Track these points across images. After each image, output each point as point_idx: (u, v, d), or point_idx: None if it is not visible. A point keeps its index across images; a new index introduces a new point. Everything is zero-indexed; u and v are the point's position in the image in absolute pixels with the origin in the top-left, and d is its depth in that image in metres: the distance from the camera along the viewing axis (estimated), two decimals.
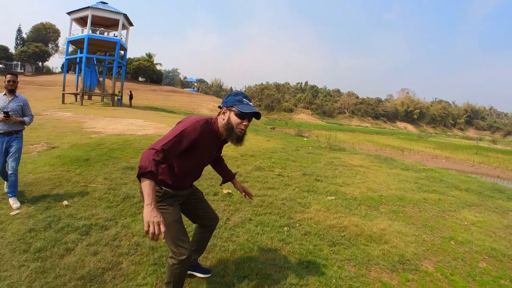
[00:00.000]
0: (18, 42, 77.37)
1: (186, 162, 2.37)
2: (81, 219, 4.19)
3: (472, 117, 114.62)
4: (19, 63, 70.38)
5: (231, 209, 5.05)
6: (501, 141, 68.19)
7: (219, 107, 2.42)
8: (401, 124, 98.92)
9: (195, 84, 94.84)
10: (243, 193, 3.07)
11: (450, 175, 11.94)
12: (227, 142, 2.53)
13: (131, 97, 32.87)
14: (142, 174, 1.92)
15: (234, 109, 2.30)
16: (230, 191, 5.78)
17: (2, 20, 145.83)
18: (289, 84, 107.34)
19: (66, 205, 4.58)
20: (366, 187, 7.43)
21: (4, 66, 67.81)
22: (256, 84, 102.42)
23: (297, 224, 4.71)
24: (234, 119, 2.30)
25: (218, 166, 3.06)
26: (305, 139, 19.32)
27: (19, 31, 78.70)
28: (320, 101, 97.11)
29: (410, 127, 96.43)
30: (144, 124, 16.27)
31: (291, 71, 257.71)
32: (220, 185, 3.25)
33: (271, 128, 33.41)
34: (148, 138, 11.69)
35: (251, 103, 2.37)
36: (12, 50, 71.56)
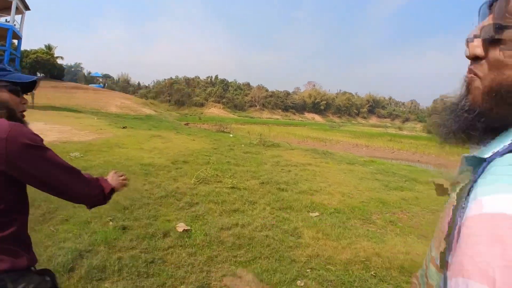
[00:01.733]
0: None
1: None
2: None
3: (374, 107, 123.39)
4: None
5: (201, 260, 3.24)
6: (404, 127, 74.43)
7: None
8: (309, 115, 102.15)
9: (100, 80, 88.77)
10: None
11: (394, 166, 12.02)
12: None
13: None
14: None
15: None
16: (186, 227, 3.95)
17: None
18: (199, 78, 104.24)
19: None
20: (339, 193, 6.46)
21: None
22: (165, 79, 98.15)
23: (308, 270, 3.17)
24: (11, 98, 1.35)
25: None
26: (231, 135, 17.90)
27: None
28: (231, 95, 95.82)
29: (318, 118, 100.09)
30: (44, 128, 13.57)
31: (202, 66, 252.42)
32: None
33: (185, 124, 31.74)
34: (49, 146, 9.34)
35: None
36: None
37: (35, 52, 56.66)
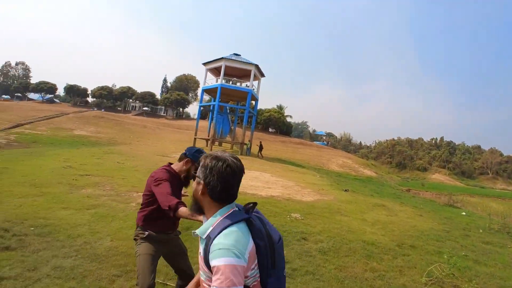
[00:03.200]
0: (163, 89, 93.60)
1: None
2: None
3: None
4: (162, 107, 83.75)
5: None
6: None
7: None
8: None
9: (324, 138, 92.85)
10: None
11: None
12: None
13: (261, 148, 32.34)
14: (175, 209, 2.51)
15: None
16: None
17: (152, 69, 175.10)
18: (422, 139, 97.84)
19: None
20: None
21: (150, 109, 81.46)
22: (386, 140, 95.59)
23: None
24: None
25: None
26: (464, 213, 14.43)
27: (165, 80, 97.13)
28: (458, 159, 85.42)
29: None
30: (271, 180, 14.46)
31: (421, 125, 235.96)
32: None
33: (407, 190, 29.80)
34: (272, 202, 9.28)
35: None
36: (158, 96, 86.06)
37: (269, 111, 65.01)
